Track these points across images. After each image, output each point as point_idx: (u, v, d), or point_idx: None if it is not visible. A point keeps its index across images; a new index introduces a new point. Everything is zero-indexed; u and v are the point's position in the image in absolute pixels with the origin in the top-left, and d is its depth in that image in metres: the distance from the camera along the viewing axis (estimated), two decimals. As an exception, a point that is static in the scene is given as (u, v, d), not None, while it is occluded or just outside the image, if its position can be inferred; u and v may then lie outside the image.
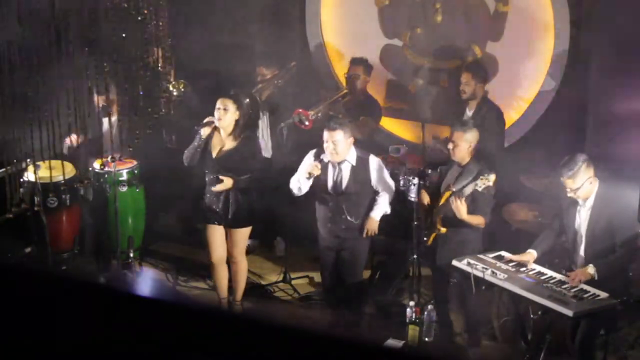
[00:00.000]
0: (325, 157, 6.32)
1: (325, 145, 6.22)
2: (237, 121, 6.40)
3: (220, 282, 6.81)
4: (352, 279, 6.51)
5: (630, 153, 6.60)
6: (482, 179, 5.84)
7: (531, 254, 5.90)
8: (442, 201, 6.14)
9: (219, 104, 6.38)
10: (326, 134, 6.20)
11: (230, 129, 6.42)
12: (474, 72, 7.25)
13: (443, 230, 6.11)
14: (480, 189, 5.86)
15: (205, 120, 6.46)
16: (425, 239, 6.29)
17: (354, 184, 6.32)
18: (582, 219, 5.72)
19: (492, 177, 5.83)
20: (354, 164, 6.32)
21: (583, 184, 5.59)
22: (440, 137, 7.62)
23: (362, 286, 6.72)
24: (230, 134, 6.44)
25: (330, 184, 6.36)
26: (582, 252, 5.73)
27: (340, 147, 6.19)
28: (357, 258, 6.48)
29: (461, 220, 6.00)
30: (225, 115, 6.35)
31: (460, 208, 5.91)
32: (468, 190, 5.91)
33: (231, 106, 6.35)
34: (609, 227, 5.60)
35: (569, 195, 5.66)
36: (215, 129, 6.46)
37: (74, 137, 6.83)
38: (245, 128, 6.47)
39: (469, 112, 7.26)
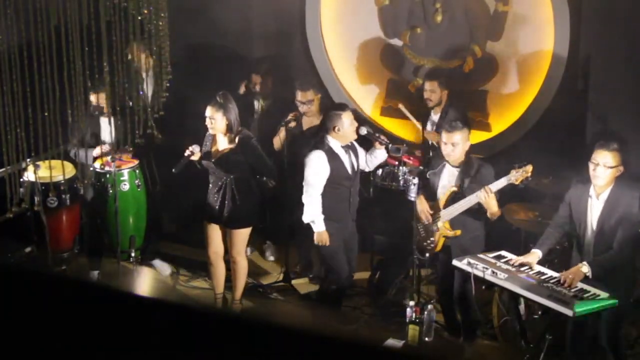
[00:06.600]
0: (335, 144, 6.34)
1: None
2: (227, 125, 6.50)
3: (216, 278, 6.93)
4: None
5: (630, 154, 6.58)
6: (517, 171, 5.85)
7: (536, 254, 5.83)
8: (444, 203, 6.13)
9: (207, 112, 6.51)
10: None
11: (224, 131, 6.54)
12: (437, 79, 7.27)
13: (458, 232, 6.13)
14: (517, 182, 5.87)
15: (189, 151, 6.58)
16: (431, 246, 6.27)
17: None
18: (593, 214, 5.63)
19: (529, 167, 5.84)
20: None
21: (611, 168, 5.48)
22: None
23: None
24: (225, 135, 6.56)
25: (349, 168, 6.41)
26: (591, 247, 5.65)
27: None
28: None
29: (476, 216, 6.04)
30: (215, 124, 6.50)
31: (491, 204, 5.90)
32: (500, 184, 5.91)
33: (217, 114, 6.47)
34: (617, 225, 5.52)
35: (592, 171, 5.51)
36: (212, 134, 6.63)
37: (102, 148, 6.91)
38: (239, 126, 6.55)
39: (434, 117, 7.28)
